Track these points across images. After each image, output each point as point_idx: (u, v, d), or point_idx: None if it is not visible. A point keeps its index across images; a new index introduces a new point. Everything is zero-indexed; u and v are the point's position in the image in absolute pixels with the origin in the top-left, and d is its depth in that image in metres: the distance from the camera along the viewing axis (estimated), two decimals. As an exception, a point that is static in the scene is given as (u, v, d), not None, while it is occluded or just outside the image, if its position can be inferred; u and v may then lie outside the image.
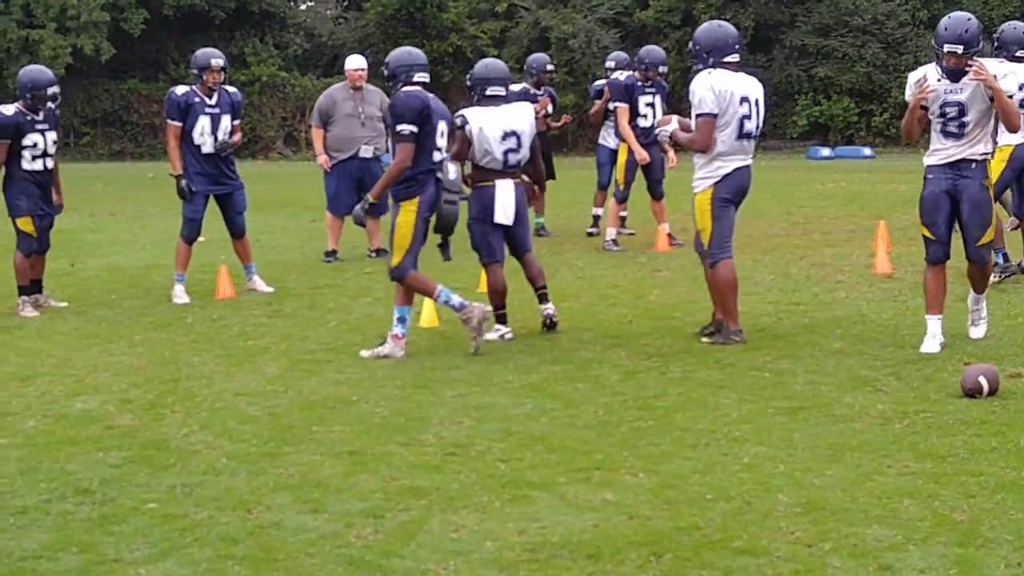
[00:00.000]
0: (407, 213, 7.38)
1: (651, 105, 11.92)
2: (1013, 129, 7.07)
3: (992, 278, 8.06)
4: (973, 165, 7.00)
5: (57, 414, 6.15)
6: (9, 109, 9.02)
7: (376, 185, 7.77)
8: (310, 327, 8.43)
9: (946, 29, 6.84)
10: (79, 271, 11.39)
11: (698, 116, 7.44)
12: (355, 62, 12.02)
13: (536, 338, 7.85)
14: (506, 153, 7.78)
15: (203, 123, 9.46)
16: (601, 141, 13.21)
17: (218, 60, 9.43)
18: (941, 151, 7.05)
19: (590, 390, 6.45)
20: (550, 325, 8.01)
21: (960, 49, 6.78)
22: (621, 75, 12.13)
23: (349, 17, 42.00)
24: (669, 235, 12.01)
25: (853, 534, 4.25)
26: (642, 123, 11.85)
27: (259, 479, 5.02)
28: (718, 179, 7.49)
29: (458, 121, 7.77)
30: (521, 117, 7.93)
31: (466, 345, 7.64)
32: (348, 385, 6.68)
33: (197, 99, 9.47)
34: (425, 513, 4.56)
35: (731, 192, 7.55)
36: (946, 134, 7.01)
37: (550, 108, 12.96)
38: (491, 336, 7.78)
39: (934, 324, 7.13)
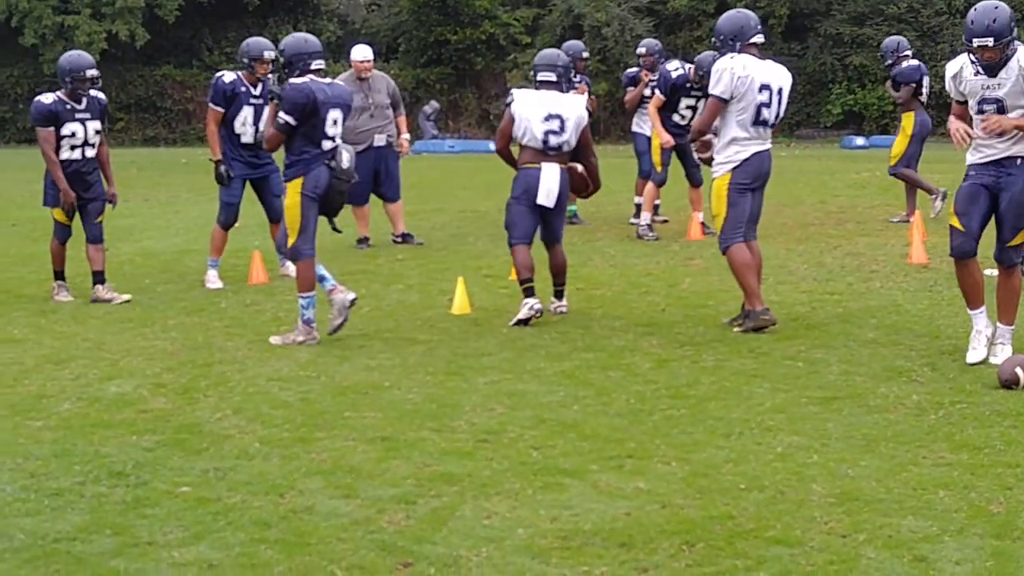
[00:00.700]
0: (292, 194, 7.45)
1: (692, 108, 11.79)
2: None
3: None
4: (1018, 162, 6.49)
5: (91, 397, 6.19)
6: (48, 98, 8.97)
7: None
8: (342, 313, 8.42)
9: (973, 23, 6.38)
10: (113, 256, 11.42)
11: (708, 96, 7.57)
12: (361, 52, 11.81)
13: (568, 326, 7.84)
14: (546, 133, 7.94)
15: (246, 113, 9.48)
16: (636, 129, 13.14)
17: (270, 52, 9.37)
18: (984, 148, 6.57)
19: (622, 378, 6.43)
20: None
21: (991, 41, 6.30)
22: (673, 67, 11.86)
23: (382, 4, 42.00)
24: (702, 223, 11.95)
25: (888, 525, 4.22)
26: (676, 119, 11.78)
27: (292, 464, 5.03)
28: (736, 164, 7.49)
29: (508, 99, 8.17)
30: (569, 105, 8.11)
31: (499, 332, 7.64)
32: (380, 371, 6.68)
33: (243, 88, 9.47)
34: (457, 499, 4.56)
35: (749, 178, 7.53)
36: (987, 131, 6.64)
37: (586, 95, 12.89)
38: (522, 313, 7.84)
39: (980, 319, 6.65)
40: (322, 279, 7.52)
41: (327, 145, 7.49)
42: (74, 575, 3.92)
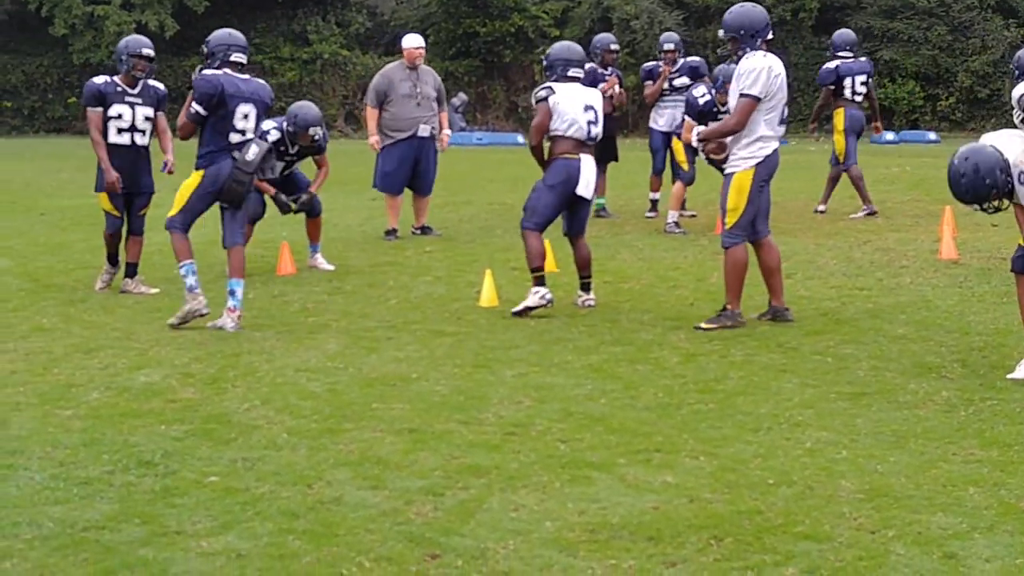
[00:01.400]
0: (192, 180, 7.78)
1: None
2: None
3: None
4: None
5: (120, 387, 6.22)
6: (100, 79, 8.94)
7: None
8: (370, 304, 8.45)
9: None
10: (143, 246, 11.48)
11: (742, 96, 7.33)
12: (414, 40, 11.92)
13: (596, 319, 7.82)
14: (589, 124, 8.03)
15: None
16: (652, 124, 13.11)
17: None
18: None
19: (650, 372, 6.41)
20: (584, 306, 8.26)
21: None
22: (700, 93, 11.59)
23: (411, -4, 42.01)
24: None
25: (917, 521, 4.19)
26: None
27: (320, 455, 5.04)
28: (760, 160, 7.42)
29: (543, 93, 8.07)
30: (596, 97, 8.24)
31: (526, 324, 7.64)
32: (408, 363, 6.69)
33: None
34: (485, 492, 4.56)
35: (769, 173, 7.52)
36: None
37: (617, 88, 12.83)
38: (531, 301, 7.86)
39: None
40: (192, 287, 7.67)
41: (235, 138, 7.70)
42: (103, 563, 3.94)
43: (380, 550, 4.01)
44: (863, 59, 13.29)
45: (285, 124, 9.51)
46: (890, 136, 29.15)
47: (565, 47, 8.46)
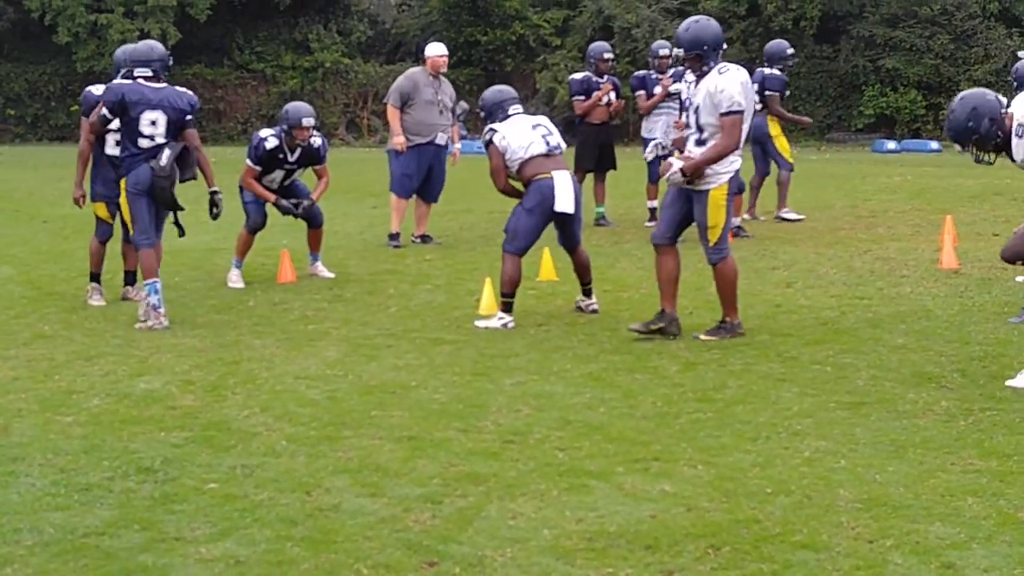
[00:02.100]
0: (123, 192, 8.18)
1: None
2: None
3: None
4: None
5: (121, 394, 6.23)
6: (97, 89, 8.93)
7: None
8: (370, 312, 8.46)
9: None
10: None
11: (729, 114, 7.15)
12: (438, 49, 12.02)
13: (595, 328, 7.83)
14: (544, 136, 8.10)
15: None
16: (646, 134, 13.12)
17: (309, 119, 9.49)
18: None
19: (649, 381, 6.42)
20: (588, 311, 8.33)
21: None
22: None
23: (413, 4, 42.06)
24: (732, 228, 11.90)
25: (915, 531, 4.20)
26: None
27: (318, 462, 5.05)
28: (732, 174, 7.33)
29: (487, 137, 8.22)
30: (541, 119, 8.42)
31: (526, 333, 7.65)
32: (407, 371, 6.70)
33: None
34: (483, 500, 4.56)
35: (738, 186, 7.49)
36: None
37: (612, 96, 12.86)
38: (493, 323, 7.88)
39: None
40: (155, 306, 7.99)
41: (144, 144, 8.04)
42: (103, 569, 3.95)
43: (378, 557, 4.02)
44: (762, 70, 13.26)
45: (280, 128, 9.52)
46: (892, 145, 29.16)
47: (496, 91, 8.54)
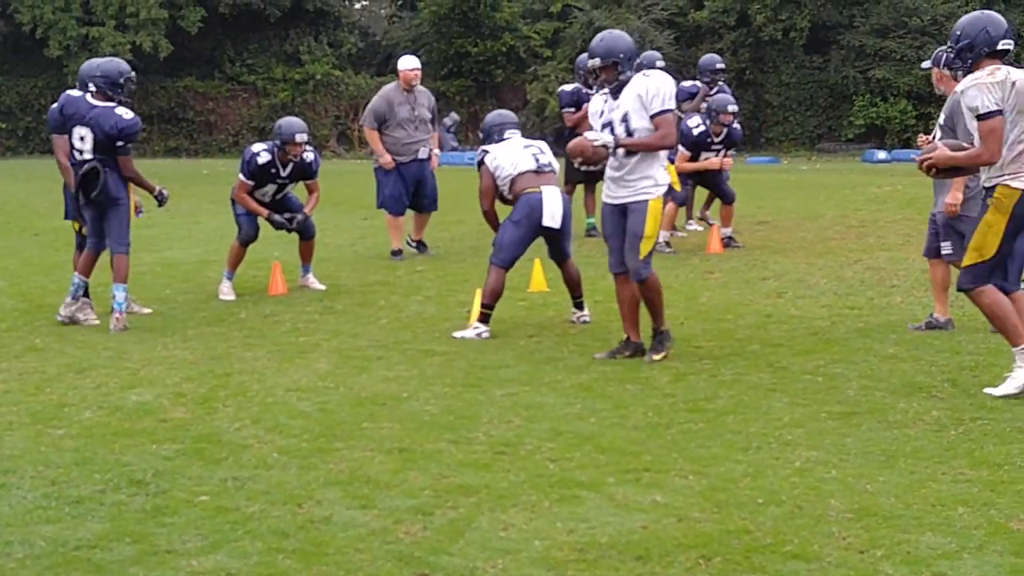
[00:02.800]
0: None
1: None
2: None
3: None
4: None
5: (112, 406, 6.22)
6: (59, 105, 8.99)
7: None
8: (361, 324, 8.47)
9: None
10: (134, 266, 11.47)
11: (664, 112, 6.97)
12: (410, 62, 11.94)
13: (587, 338, 7.84)
14: (534, 155, 8.20)
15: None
16: None
17: (302, 135, 9.56)
18: None
19: (640, 391, 6.43)
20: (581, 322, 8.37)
21: None
22: (694, 124, 11.78)
23: (403, 16, 42.14)
24: (723, 237, 11.95)
25: (906, 541, 4.20)
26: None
27: (309, 474, 5.05)
28: (665, 187, 7.15)
29: (479, 157, 8.37)
30: (536, 142, 8.51)
31: (516, 344, 7.66)
32: (398, 382, 6.70)
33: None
34: (474, 511, 4.56)
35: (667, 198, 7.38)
36: None
37: None
38: (468, 333, 7.90)
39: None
40: (83, 287, 8.56)
41: (76, 157, 8.40)
42: (93, 583, 3.94)
43: (369, 569, 4.02)
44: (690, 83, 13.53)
45: (273, 143, 9.54)
46: (882, 155, 29.25)
47: (497, 115, 8.74)
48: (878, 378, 6.59)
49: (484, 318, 7.98)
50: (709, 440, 5.48)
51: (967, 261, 6.29)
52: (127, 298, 8.54)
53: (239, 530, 4.38)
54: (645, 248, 7.07)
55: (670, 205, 12.14)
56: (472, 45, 37.18)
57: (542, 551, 4.16)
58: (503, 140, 8.40)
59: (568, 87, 13.14)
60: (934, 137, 7.39)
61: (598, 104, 7.24)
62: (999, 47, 6.16)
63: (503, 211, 8.37)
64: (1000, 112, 6.00)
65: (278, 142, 9.47)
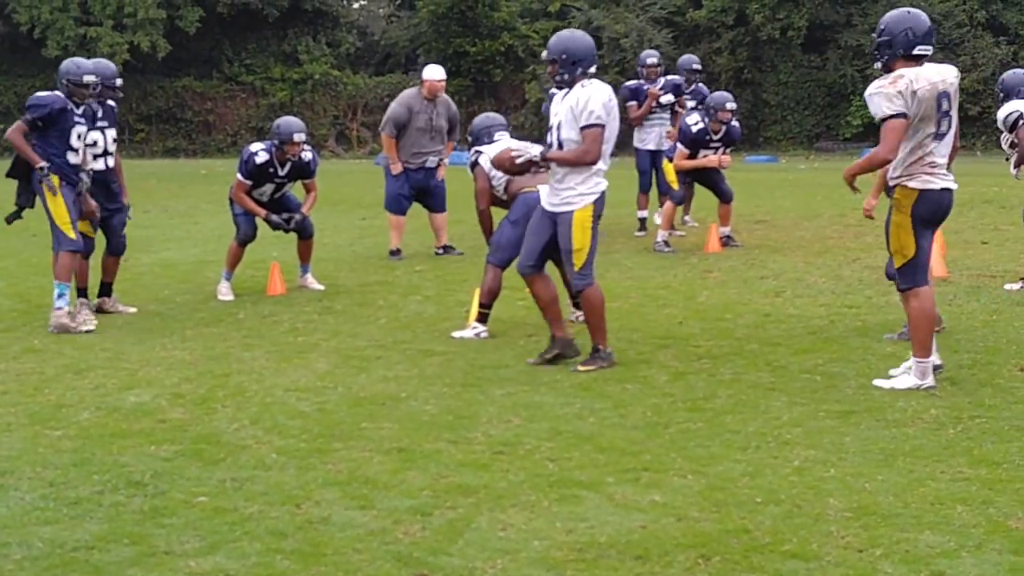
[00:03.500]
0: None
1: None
2: None
3: None
4: None
5: (110, 407, 6.22)
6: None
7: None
8: (360, 324, 8.47)
9: None
10: (132, 267, 11.50)
11: (592, 126, 6.79)
12: (436, 72, 11.95)
13: (585, 338, 7.82)
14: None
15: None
16: (638, 144, 13.18)
17: (300, 135, 9.54)
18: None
19: (639, 391, 6.43)
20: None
21: None
22: (693, 121, 11.74)
23: (401, 16, 42.14)
24: (722, 236, 11.95)
25: (905, 540, 4.20)
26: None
27: (308, 474, 5.04)
28: (597, 196, 6.97)
29: (473, 159, 8.34)
30: (525, 143, 8.30)
31: (515, 344, 7.65)
32: (397, 382, 6.70)
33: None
34: (473, 511, 4.56)
35: (600, 211, 7.03)
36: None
37: None
38: (467, 333, 7.91)
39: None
40: (59, 303, 8.40)
41: (72, 158, 8.49)
42: (91, 584, 3.94)
43: (368, 570, 4.02)
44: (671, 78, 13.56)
45: (271, 143, 9.54)
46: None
47: (485, 117, 8.81)
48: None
49: (482, 318, 7.99)
50: (708, 439, 5.48)
51: (896, 264, 6.43)
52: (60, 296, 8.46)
53: (237, 531, 4.38)
54: (579, 260, 6.98)
55: (668, 204, 12.16)
56: (470, 44, 37.18)
57: (541, 551, 4.16)
58: (493, 142, 8.41)
59: (631, 83, 13.27)
60: None
61: (555, 103, 7.12)
62: (915, 52, 6.21)
63: (498, 214, 8.37)
64: (903, 115, 6.08)
65: (276, 142, 9.47)
